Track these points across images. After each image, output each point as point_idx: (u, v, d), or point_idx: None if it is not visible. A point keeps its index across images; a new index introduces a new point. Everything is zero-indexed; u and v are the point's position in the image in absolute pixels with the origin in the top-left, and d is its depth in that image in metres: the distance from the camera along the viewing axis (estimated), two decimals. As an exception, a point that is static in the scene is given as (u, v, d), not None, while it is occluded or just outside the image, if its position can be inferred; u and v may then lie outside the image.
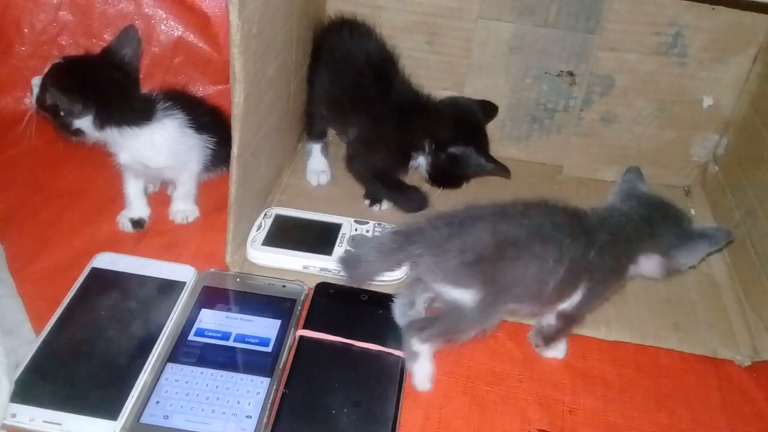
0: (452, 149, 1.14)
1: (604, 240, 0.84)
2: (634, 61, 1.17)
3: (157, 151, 1.02)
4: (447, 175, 1.18)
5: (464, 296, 0.81)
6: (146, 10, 1.32)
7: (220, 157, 1.12)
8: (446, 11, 1.19)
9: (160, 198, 1.14)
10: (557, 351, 0.94)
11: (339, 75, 1.15)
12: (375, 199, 1.16)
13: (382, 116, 1.14)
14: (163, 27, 1.33)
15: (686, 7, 1.10)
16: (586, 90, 1.21)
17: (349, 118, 1.18)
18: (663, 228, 0.87)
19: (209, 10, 1.33)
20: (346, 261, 0.86)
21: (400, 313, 0.93)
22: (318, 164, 1.22)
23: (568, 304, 0.87)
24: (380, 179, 1.16)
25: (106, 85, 0.98)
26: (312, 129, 1.23)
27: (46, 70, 0.98)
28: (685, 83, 1.18)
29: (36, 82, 0.99)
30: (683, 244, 0.87)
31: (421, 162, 1.17)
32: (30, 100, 1.02)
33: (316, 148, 1.22)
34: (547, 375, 0.91)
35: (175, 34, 1.34)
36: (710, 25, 1.12)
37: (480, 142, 1.17)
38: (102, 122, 0.98)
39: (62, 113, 0.97)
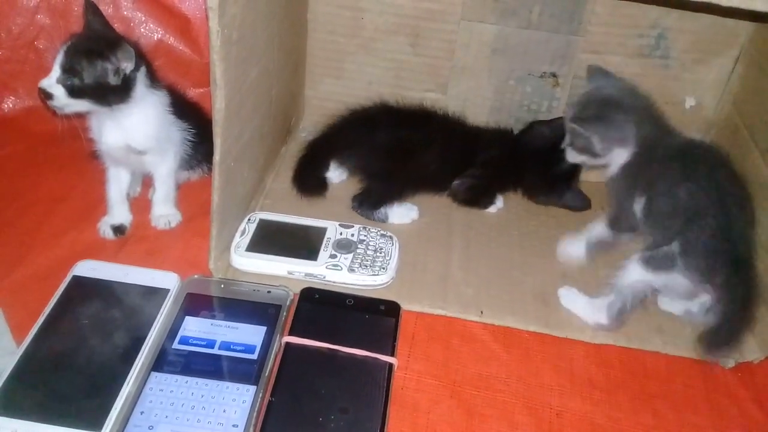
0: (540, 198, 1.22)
1: None
2: (617, 62, 1.17)
3: (140, 129, 1.01)
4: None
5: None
6: (125, 12, 1.30)
7: (198, 153, 1.12)
8: (429, 13, 1.18)
9: (141, 204, 1.13)
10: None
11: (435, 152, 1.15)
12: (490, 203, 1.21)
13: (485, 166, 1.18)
14: (142, 30, 1.31)
15: (668, 10, 1.11)
16: (569, 92, 1.22)
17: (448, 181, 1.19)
18: None
19: (189, 13, 1.32)
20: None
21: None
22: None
23: None
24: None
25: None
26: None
27: (66, 48, 0.95)
28: (668, 84, 1.19)
29: (53, 80, 0.94)
30: None
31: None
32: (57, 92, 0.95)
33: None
34: (534, 378, 0.91)
35: (155, 37, 1.32)
36: (692, 27, 1.13)
37: (563, 188, 1.19)
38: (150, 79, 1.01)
39: (121, 74, 0.96)
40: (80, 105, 0.96)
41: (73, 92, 0.95)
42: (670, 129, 1.00)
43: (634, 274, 0.93)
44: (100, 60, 0.94)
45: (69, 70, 0.94)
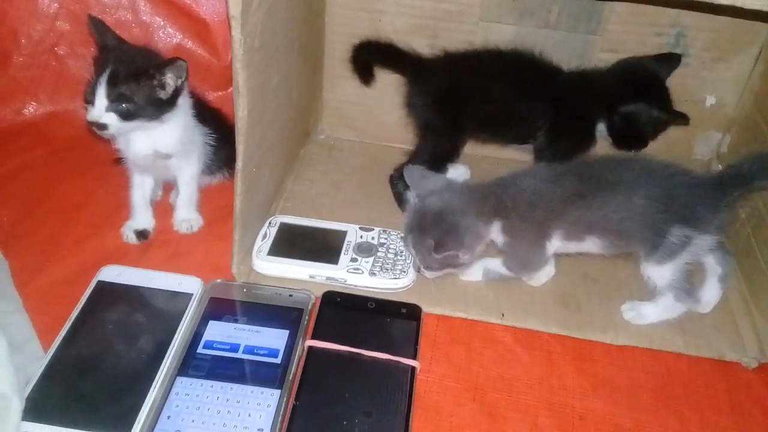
0: (623, 109, 1.11)
1: None
2: (636, 61, 1.17)
3: (168, 134, 1.01)
4: (627, 136, 1.15)
5: None
6: (144, 17, 1.31)
7: (219, 158, 1.13)
8: (447, 14, 1.18)
9: (163, 208, 1.14)
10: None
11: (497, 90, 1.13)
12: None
13: (559, 108, 1.13)
14: (161, 34, 1.32)
15: (688, 8, 1.10)
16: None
17: (525, 126, 1.16)
18: None
19: (207, 17, 1.32)
20: None
21: None
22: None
23: None
24: None
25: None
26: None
27: (109, 76, 0.94)
28: (688, 83, 1.18)
29: (101, 110, 0.94)
30: None
31: (601, 129, 1.15)
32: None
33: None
34: (556, 380, 0.91)
35: (174, 41, 1.33)
36: (712, 25, 1.12)
37: (651, 95, 1.12)
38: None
39: (172, 88, 0.98)
40: (132, 126, 0.97)
41: (127, 116, 0.96)
42: (515, 179, 0.96)
43: (666, 273, 0.94)
44: (149, 80, 0.96)
45: (119, 97, 0.94)
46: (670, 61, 1.14)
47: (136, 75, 0.95)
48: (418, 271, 1.00)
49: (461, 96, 1.13)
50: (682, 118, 1.12)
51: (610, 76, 1.15)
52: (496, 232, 0.96)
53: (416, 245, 0.95)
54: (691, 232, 0.90)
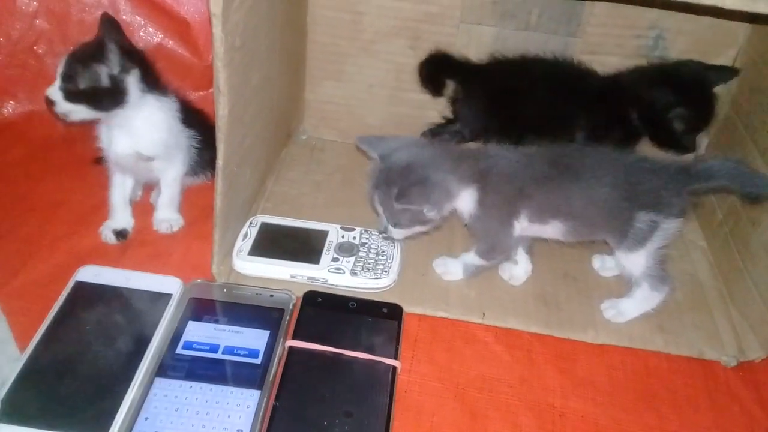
0: (642, 94, 1.14)
1: None
2: (615, 63, 1.17)
3: (148, 136, 1.01)
4: (657, 130, 1.16)
5: None
6: (124, 17, 1.30)
7: (203, 160, 1.12)
8: (428, 16, 1.18)
9: (143, 208, 1.13)
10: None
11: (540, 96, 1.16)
12: None
13: (601, 110, 1.15)
14: (142, 34, 1.31)
15: (667, 11, 1.11)
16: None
17: (565, 128, 1.17)
18: None
19: (189, 16, 1.32)
20: None
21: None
22: None
23: None
24: None
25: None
26: None
27: (67, 57, 0.96)
28: (666, 85, 1.19)
29: (55, 87, 0.96)
30: None
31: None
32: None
33: None
34: (537, 379, 0.92)
35: (155, 40, 1.32)
36: (691, 28, 1.13)
37: (674, 86, 1.13)
38: (144, 83, 0.99)
39: (111, 76, 0.97)
40: (81, 110, 0.97)
41: (69, 96, 0.96)
42: (492, 151, 0.97)
43: (640, 260, 0.95)
44: (93, 63, 0.96)
45: (64, 77, 0.96)
46: (724, 71, 1.15)
47: (82, 58, 0.96)
48: (384, 231, 0.98)
49: (511, 98, 1.16)
50: (702, 106, 1.13)
51: (649, 72, 1.16)
52: (468, 200, 0.95)
53: (383, 201, 0.94)
54: (657, 216, 0.92)
